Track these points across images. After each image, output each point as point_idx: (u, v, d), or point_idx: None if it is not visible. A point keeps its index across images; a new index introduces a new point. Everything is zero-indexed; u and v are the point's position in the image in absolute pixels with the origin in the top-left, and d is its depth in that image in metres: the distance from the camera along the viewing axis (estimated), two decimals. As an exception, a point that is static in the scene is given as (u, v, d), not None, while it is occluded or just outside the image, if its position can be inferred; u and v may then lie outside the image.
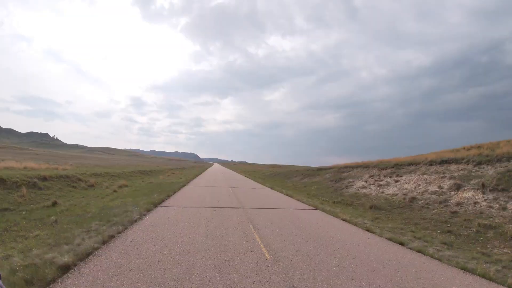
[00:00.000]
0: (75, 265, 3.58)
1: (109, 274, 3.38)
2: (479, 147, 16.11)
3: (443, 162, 13.41)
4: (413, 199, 10.31)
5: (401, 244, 5.58)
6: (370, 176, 15.99)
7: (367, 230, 6.68)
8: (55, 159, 41.55)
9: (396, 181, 13.37)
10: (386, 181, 14.03)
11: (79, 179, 15.20)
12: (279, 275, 3.66)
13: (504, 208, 8.07)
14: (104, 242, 4.59)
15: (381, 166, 16.80)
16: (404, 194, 11.20)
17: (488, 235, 6.53)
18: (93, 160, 52.27)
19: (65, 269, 3.41)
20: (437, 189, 10.54)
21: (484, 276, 4.02)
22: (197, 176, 27.51)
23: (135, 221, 6.23)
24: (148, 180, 19.68)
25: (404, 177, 13.46)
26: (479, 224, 7.09)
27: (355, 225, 7.27)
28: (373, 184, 14.34)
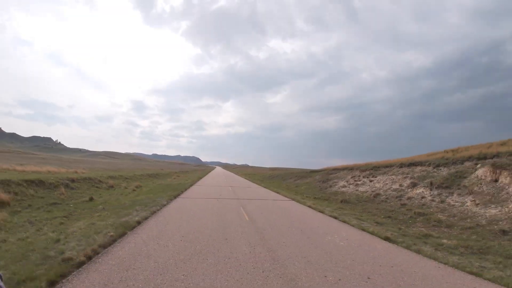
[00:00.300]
0: (142, 222, 6.25)
1: (163, 223, 6.34)
2: (453, 151, 18.37)
3: (411, 164, 15.76)
4: (377, 195, 12.69)
5: (338, 219, 8.12)
6: (352, 177, 18.34)
7: (321, 212, 9.29)
8: (64, 163, 44.07)
9: (371, 181, 15.74)
10: (363, 181, 16.40)
11: (100, 181, 17.67)
12: (253, 228, 6.28)
13: (442, 201, 10.43)
14: (152, 213, 7.53)
15: (363, 168, 19.16)
16: (372, 191, 13.57)
17: (418, 219, 8.88)
18: (101, 164, 54.76)
19: (138, 223, 6.07)
20: (398, 187, 12.92)
21: (387, 240, 6.33)
22: (200, 178, 29.97)
23: (164, 205, 9.11)
24: (158, 182, 22.14)
25: (377, 178, 15.82)
26: (415, 212, 9.46)
27: (314, 209, 9.86)
28: (352, 184, 16.72)
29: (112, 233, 5.08)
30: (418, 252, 5.25)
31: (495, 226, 7.30)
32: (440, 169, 13.72)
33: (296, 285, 3.41)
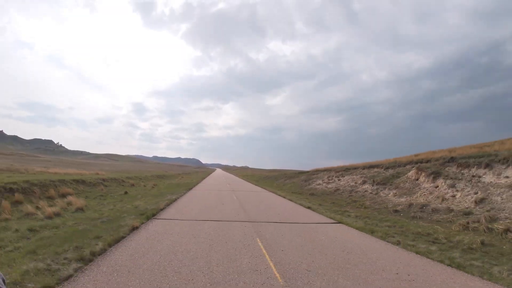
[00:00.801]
0: (177, 199, 10.47)
1: (188, 200, 10.70)
2: (416, 155, 22.64)
3: (371, 166, 19.99)
4: (337, 189, 16.96)
5: (295, 202, 12.35)
6: (327, 177, 22.60)
7: (290, 200, 13.52)
8: (73, 165, 48.15)
9: (339, 180, 20.00)
10: (334, 180, 20.65)
11: (123, 180, 21.89)
12: (238, 202, 10.56)
13: (376, 194, 14.64)
14: (179, 197, 11.92)
15: (337, 170, 23.41)
16: (336, 187, 17.84)
17: (350, 204, 13.11)
18: (106, 167, 58.77)
19: (175, 200, 10.33)
20: (353, 184, 17.19)
21: (309, 208, 10.53)
22: (204, 178, 34.26)
23: (184, 193, 13.41)
24: (168, 181, 26.39)
25: (344, 177, 20.07)
26: (352, 200, 13.71)
27: (284, 198, 14.15)
28: (325, 182, 20.98)
29: (164, 203, 9.33)
30: (328, 216, 9.48)
31: (393, 208, 11.52)
32: (388, 170, 17.96)
33: (250, 217, 7.66)
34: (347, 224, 8.05)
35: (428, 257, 4.90)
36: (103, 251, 4.52)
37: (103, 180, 19.60)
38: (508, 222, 7.01)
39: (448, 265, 4.49)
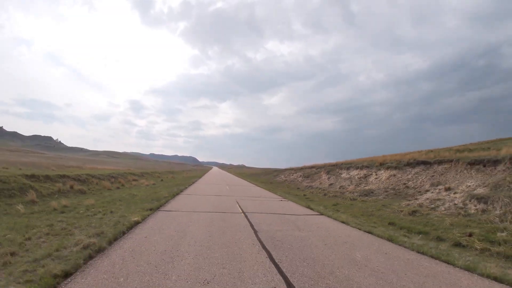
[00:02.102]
0: (194, 182, 21.05)
1: (198, 184, 20.95)
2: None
3: (312, 167, 30.73)
4: (285, 180, 27.71)
5: (258, 186, 23.01)
6: (289, 173, 33.29)
7: (255, 185, 24.23)
8: (80, 162, 58.06)
9: (292, 175, 30.72)
10: (289, 175, 31.39)
11: (151, 173, 32.39)
12: (227, 187, 21.22)
13: (301, 182, 25.39)
14: (194, 182, 22.29)
15: (295, 169, 34.12)
16: (286, 179, 28.60)
17: (286, 187, 23.81)
18: (116, 164, 68.53)
19: (193, 182, 20.93)
20: (295, 177, 27.95)
21: (268, 190, 21.14)
22: (204, 174, 44.89)
23: (194, 182, 23.80)
24: (179, 175, 36.88)
25: (296, 173, 30.77)
26: (287, 185, 24.46)
27: (256, 185, 24.82)
28: (287, 176, 31.75)
29: (190, 183, 19.87)
30: (272, 192, 20.12)
31: (302, 187, 22.18)
32: (319, 169, 28.77)
33: (234, 193, 18.30)
34: (274, 193, 18.70)
35: (300, 205, 15.43)
36: (179, 192, 15.09)
37: (125, 173, 30.11)
38: (349, 192, 17.66)
39: (319, 212, 15.00)
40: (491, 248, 5.23)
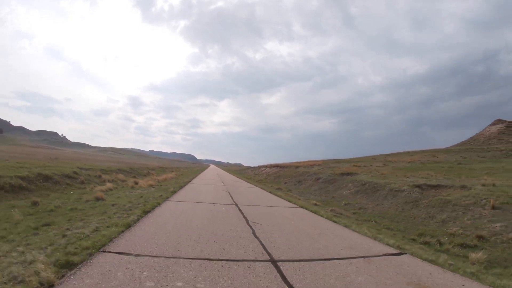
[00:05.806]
0: (204, 171, 35.86)
1: (203, 175, 35.69)
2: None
3: (278, 166, 45.30)
4: (256, 174, 42.33)
5: (241, 179, 37.62)
6: (261, 169, 47.71)
7: (240, 179, 38.99)
8: (100, 157, 72.25)
9: (263, 170, 45.24)
10: (261, 170, 45.89)
11: (168, 168, 46.95)
12: (220, 179, 35.81)
13: (268, 174, 39.94)
14: (200, 172, 37.40)
15: (268, 166, 48.61)
16: (257, 173, 43.23)
17: (254, 177, 38.28)
18: (130, 160, 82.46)
19: (198, 175, 35.62)
20: (264, 171, 42.53)
21: (243, 180, 35.47)
22: (204, 169, 59.52)
23: (199, 173, 38.54)
24: (185, 170, 51.42)
25: (265, 169, 45.23)
26: (254, 175, 39.09)
27: (238, 178, 39.55)
28: (264, 172, 46.29)
29: (196, 174, 34.36)
30: (246, 181, 34.58)
31: (253, 174, 36.58)
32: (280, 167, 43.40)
33: (224, 182, 32.88)
34: (242, 179, 33.12)
35: (252, 184, 29.70)
36: (196, 175, 29.63)
37: (151, 169, 44.68)
38: (262, 178, 31.98)
39: (253, 184, 29.22)
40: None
